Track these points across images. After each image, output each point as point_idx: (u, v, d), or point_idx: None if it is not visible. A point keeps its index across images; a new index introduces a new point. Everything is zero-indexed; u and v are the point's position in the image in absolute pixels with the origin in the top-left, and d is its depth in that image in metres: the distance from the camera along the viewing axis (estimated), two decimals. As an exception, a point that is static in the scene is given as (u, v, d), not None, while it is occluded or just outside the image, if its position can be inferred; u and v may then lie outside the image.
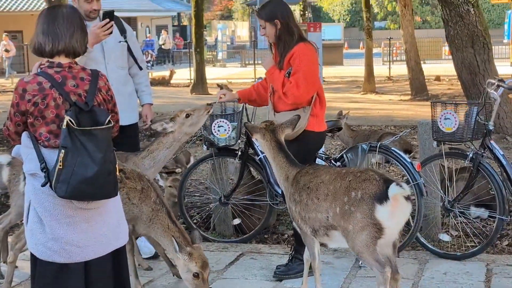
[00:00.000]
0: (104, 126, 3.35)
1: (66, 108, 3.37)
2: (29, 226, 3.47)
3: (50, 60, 3.46)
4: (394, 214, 3.91)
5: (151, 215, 4.42)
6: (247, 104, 5.69)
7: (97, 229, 3.47)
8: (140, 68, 5.64)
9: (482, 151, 5.32)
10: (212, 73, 27.92)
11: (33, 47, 3.49)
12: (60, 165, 3.26)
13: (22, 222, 4.51)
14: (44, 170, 3.34)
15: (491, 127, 5.30)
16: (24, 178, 4.73)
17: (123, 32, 5.47)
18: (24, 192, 3.80)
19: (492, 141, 5.35)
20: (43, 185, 3.34)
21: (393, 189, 3.85)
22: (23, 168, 3.52)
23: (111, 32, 5.05)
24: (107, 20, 5.01)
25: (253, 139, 4.81)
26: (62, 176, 3.26)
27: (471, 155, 5.33)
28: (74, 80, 3.43)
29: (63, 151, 3.26)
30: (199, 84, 21.88)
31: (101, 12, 5.33)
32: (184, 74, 27.25)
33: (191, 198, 7.32)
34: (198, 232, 4.49)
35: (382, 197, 3.89)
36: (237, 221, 6.15)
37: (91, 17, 5.25)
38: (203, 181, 7.93)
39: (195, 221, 6.38)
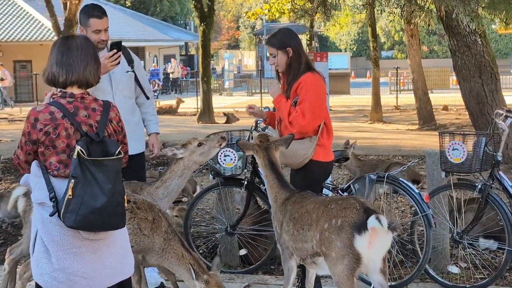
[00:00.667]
0: (114, 157, 3.37)
1: (77, 138, 3.39)
2: (35, 256, 3.44)
3: (63, 90, 3.48)
4: (373, 244, 3.89)
5: (163, 245, 4.40)
6: (253, 134, 5.68)
7: (103, 260, 3.45)
8: (147, 98, 5.64)
9: (491, 182, 5.28)
10: (219, 102, 28.00)
11: (46, 77, 3.50)
12: (69, 195, 3.26)
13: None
14: (53, 199, 3.34)
15: (499, 158, 5.26)
16: None
17: (130, 62, 5.48)
18: None
19: (500, 172, 5.31)
20: (51, 215, 3.33)
21: (371, 222, 3.82)
22: (32, 197, 3.51)
23: (118, 63, 5.06)
24: (115, 50, 5.03)
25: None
26: (71, 206, 3.26)
27: (479, 186, 5.29)
28: (86, 111, 3.45)
29: (73, 181, 3.27)
30: (206, 113, 21.93)
31: (109, 43, 5.35)
32: (191, 103, 27.34)
33: (197, 228, 7.28)
34: (220, 259, 4.46)
35: (361, 227, 3.87)
36: (243, 251, 6.09)
37: (99, 48, 5.25)
38: (209, 210, 7.89)
39: (201, 251, 6.32)
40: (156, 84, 35.61)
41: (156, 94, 33.27)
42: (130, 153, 5.05)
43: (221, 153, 5.58)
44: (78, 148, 3.28)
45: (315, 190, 4.79)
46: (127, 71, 5.44)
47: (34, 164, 3.46)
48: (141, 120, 5.63)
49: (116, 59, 5.01)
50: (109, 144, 3.41)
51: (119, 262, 3.52)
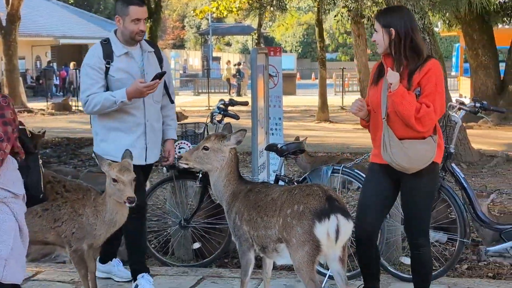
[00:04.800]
0: None
1: None
2: None
3: None
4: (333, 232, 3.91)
5: (95, 212, 4.47)
6: (208, 126, 5.65)
7: None
8: (172, 102, 5.21)
9: (443, 174, 5.35)
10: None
11: None
12: None
13: None
14: None
15: (452, 150, 5.34)
16: None
17: (160, 61, 5.07)
18: None
19: (453, 164, 5.38)
20: None
21: (332, 223, 3.88)
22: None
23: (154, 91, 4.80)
24: (157, 80, 4.71)
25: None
26: None
27: (432, 178, 5.34)
28: None
29: None
30: (153, 111, 21.70)
31: (143, 41, 5.02)
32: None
33: (148, 222, 7.19)
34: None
35: (322, 215, 3.89)
36: (197, 245, 6.04)
37: (137, 39, 4.88)
38: (159, 205, 7.80)
39: (153, 245, 6.25)
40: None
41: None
42: (152, 161, 4.95)
43: (176, 145, 5.52)
44: None
45: (433, 197, 4.58)
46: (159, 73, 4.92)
47: None
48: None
49: (153, 88, 4.72)
50: None
51: None
